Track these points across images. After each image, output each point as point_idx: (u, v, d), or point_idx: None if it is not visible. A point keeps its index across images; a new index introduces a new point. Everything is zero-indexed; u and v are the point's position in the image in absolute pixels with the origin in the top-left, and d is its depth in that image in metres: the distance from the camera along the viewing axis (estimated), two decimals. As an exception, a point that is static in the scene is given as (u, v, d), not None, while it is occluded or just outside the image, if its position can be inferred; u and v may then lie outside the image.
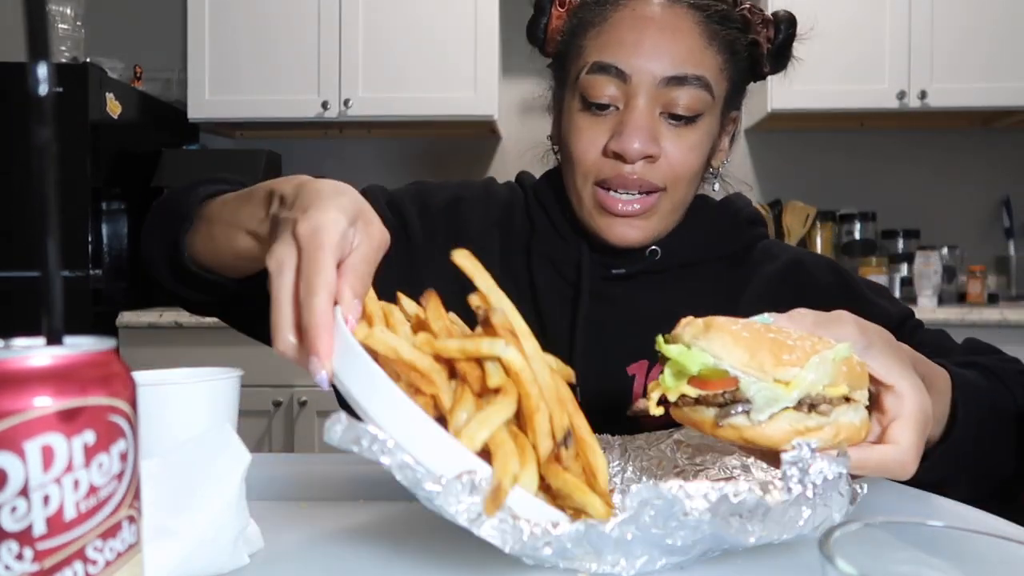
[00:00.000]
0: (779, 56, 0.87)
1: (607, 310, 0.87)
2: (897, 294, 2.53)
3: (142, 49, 2.82)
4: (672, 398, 0.53)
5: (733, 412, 0.50)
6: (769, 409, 0.50)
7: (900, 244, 2.67)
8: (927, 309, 2.33)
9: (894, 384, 0.53)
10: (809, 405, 0.50)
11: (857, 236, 2.69)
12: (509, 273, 0.89)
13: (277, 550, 0.53)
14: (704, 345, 0.51)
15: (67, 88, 2.20)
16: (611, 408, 0.84)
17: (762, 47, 0.85)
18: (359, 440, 0.42)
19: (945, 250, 2.56)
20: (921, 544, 0.44)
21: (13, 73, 2.19)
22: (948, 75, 2.47)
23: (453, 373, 0.46)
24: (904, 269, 2.52)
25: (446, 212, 0.92)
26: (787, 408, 0.50)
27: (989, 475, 0.68)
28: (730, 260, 0.91)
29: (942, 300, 2.47)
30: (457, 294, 0.51)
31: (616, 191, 0.81)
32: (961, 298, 2.56)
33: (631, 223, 0.82)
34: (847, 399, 0.51)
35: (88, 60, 2.36)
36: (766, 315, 0.57)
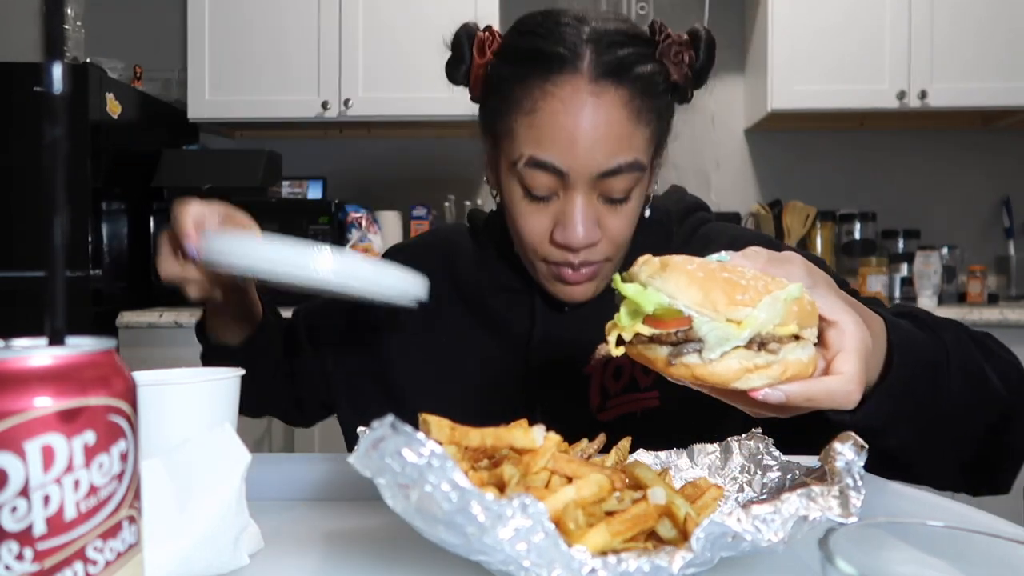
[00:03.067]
0: (700, 77, 0.86)
1: (560, 328, 0.91)
2: (897, 294, 2.53)
3: (142, 49, 2.82)
4: (627, 337, 0.54)
5: (685, 351, 0.52)
6: (720, 348, 0.51)
7: (900, 244, 2.67)
8: (927, 309, 2.33)
9: (837, 319, 0.56)
10: (759, 343, 0.52)
11: (857, 236, 2.69)
12: (460, 305, 0.95)
13: (277, 550, 0.53)
14: (659, 284, 0.52)
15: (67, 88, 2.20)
16: (571, 405, 0.89)
17: (684, 74, 0.84)
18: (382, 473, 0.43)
19: (945, 250, 2.56)
20: (921, 544, 0.44)
21: (14, 73, 2.19)
22: (948, 75, 2.47)
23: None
24: (904, 269, 2.53)
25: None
26: (738, 347, 0.51)
27: (938, 426, 0.68)
28: (676, 250, 0.93)
29: (942, 300, 2.47)
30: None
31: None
32: (961, 298, 2.56)
33: (582, 287, 0.86)
34: (796, 337, 0.53)
35: (88, 60, 2.36)
36: (723, 253, 0.58)
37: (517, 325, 0.92)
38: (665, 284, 0.52)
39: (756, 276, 0.53)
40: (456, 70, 0.89)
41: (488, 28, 0.87)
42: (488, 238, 0.97)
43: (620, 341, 0.55)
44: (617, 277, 0.55)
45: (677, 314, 0.51)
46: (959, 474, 0.73)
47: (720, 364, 0.51)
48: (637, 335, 0.54)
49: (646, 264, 0.54)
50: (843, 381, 0.54)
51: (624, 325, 0.54)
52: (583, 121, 0.77)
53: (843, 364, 0.55)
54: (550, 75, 0.78)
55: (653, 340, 0.53)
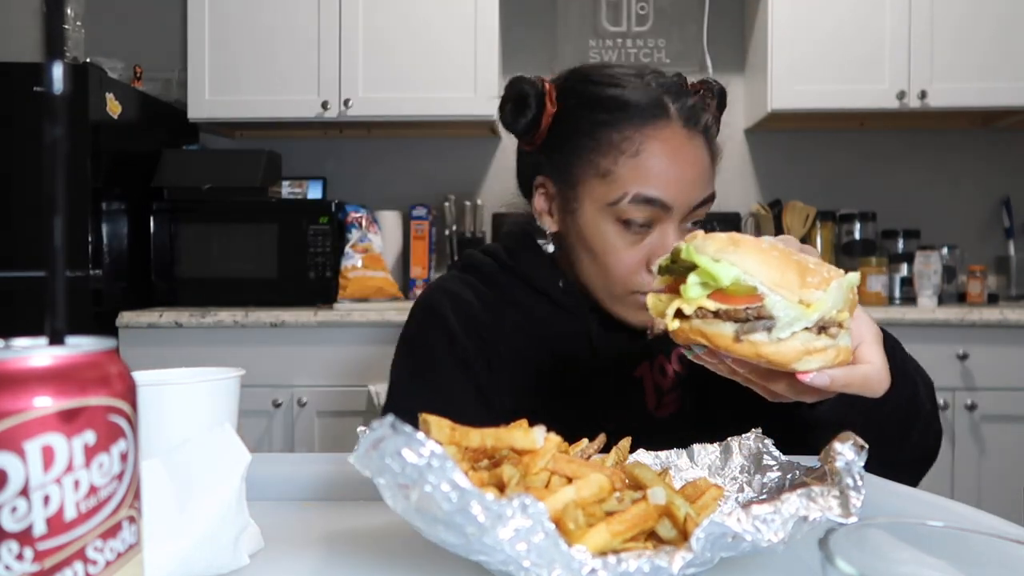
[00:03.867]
0: (718, 122, 0.97)
1: (607, 343, 0.96)
2: (897, 294, 2.53)
3: (142, 49, 2.82)
4: (689, 311, 0.53)
5: (756, 328, 0.51)
6: (790, 328, 0.51)
7: (900, 244, 2.67)
8: (927, 309, 2.33)
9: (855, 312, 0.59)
10: (820, 327, 0.52)
11: (857, 236, 2.69)
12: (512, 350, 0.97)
13: (277, 550, 0.53)
14: (735, 259, 0.51)
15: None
16: (627, 409, 0.94)
17: (719, 121, 0.96)
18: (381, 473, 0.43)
19: (945, 250, 2.56)
20: (921, 544, 0.44)
21: (14, 73, 2.19)
22: (948, 75, 2.47)
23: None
24: (904, 269, 2.52)
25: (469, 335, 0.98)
26: (805, 328, 0.52)
27: (880, 428, 0.73)
28: None
29: (942, 300, 2.47)
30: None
31: None
32: (961, 298, 2.56)
33: None
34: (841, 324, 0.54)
35: (88, 60, 2.36)
36: (767, 238, 0.58)
37: (571, 347, 0.95)
38: (740, 259, 0.51)
39: (818, 262, 0.54)
40: (519, 120, 0.94)
41: (540, 79, 0.95)
42: (516, 272, 0.99)
43: (679, 315, 0.54)
44: (689, 247, 0.54)
45: (751, 291, 0.51)
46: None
47: (786, 344, 0.52)
48: (699, 309, 0.53)
49: (711, 239, 0.54)
50: (876, 369, 0.59)
51: (692, 297, 0.53)
52: (682, 160, 0.88)
53: (870, 353, 0.59)
54: (648, 121, 0.88)
55: (719, 315, 0.53)
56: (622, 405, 0.94)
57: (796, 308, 0.51)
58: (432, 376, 0.95)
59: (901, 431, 0.79)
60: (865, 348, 0.59)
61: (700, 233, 0.55)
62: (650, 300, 0.58)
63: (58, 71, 0.33)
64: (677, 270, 0.56)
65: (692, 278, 0.53)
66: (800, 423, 0.74)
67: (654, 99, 0.89)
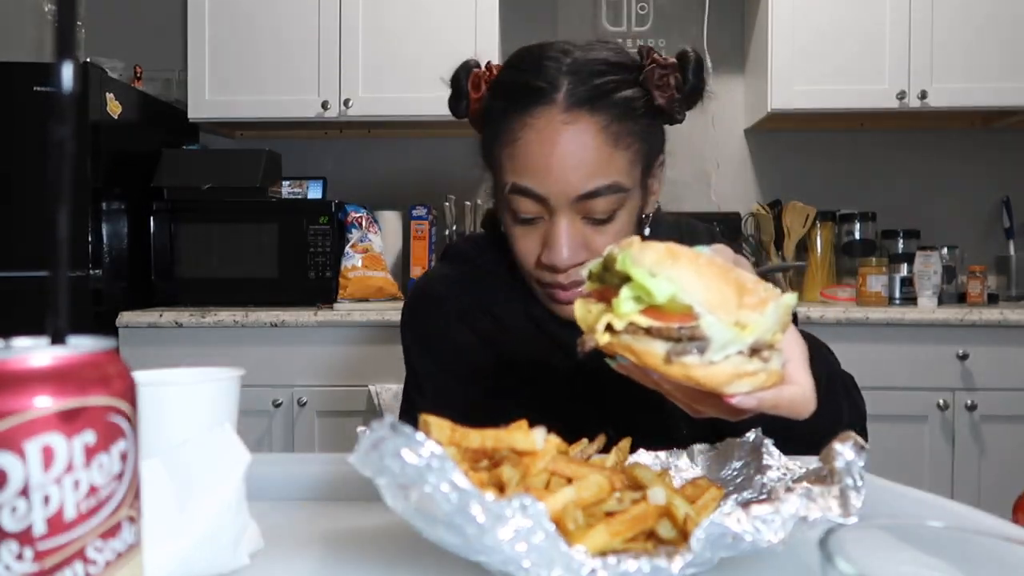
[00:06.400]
0: (691, 99, 0.89)
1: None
2: (897, 294, 2.53)
3: (142, 49, 2.82)
4: (620, 326, 0.50)
5: (688, 349, 0.49)
6: (724, 351, 0.49)
7: (900, 244, 2.67)
8: (927, 309, 2.33)
9: None
10: (752, 349, 0.50)
11: (857, 236, 2.69)
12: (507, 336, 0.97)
13: (277, 550, 0.53)
14: (672, 274, 0.48)
15: (67, 88, 2.20)
16: (645, 415, 0.89)
17: (672, 97, 0.86)
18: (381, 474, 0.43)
19: (945, 250, 2.56)
20: (921, 544, 0.44)
21: (14, 73, 2.19)
22: (948, 75, 2.47)
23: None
24: (904, 269, 2.52)
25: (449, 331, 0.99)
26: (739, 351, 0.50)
27: (796, 444, 0.71)
28: None
29: (942, 300, 2.47)
30: None
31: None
32: (961, 298, 2.56)
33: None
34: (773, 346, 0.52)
35: (88, 60, 2.35)
36: (703, 247, 0.56)
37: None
38: (678, 275, 0.48)
39: (755, 280, 0.51)
40: (457, 105, 0.94)
41: (487, 64, 0.93)
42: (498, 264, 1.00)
43: (608, 329, 0.51)
44: (625, 257, 0.51)
45: (685, 309, 0.48)
46: None
47: (717, 367, 0.49)
48: (630, 324, 0.50)
49: (648, 249, 0.50)
50: (804, 390, 0.57)
51: (624, 312, 0.50)
52: (557, 148, 0.81)
53: (797, 374, 0.57)
54: (528, 107, 0.83)
55: (650, 332, 0.50)
56: (630, 407, 0.89)
57: (731, 331, 0.49)
58: (441, 344, 0.98)
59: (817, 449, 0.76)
60: (792, 368, 0.57)
61: (636, 240, 0.52)
62: (578, 309, 0.54)
63: (68, 70, 0.33)
64: (609, 278, 0.53)
65: (625, 291, 0.50)
66: (718, 429, 0.72)
67: (545, 82, 0.83)
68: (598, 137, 0.82)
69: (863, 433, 0.85)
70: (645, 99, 0.85)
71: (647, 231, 0.94)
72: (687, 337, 0.49)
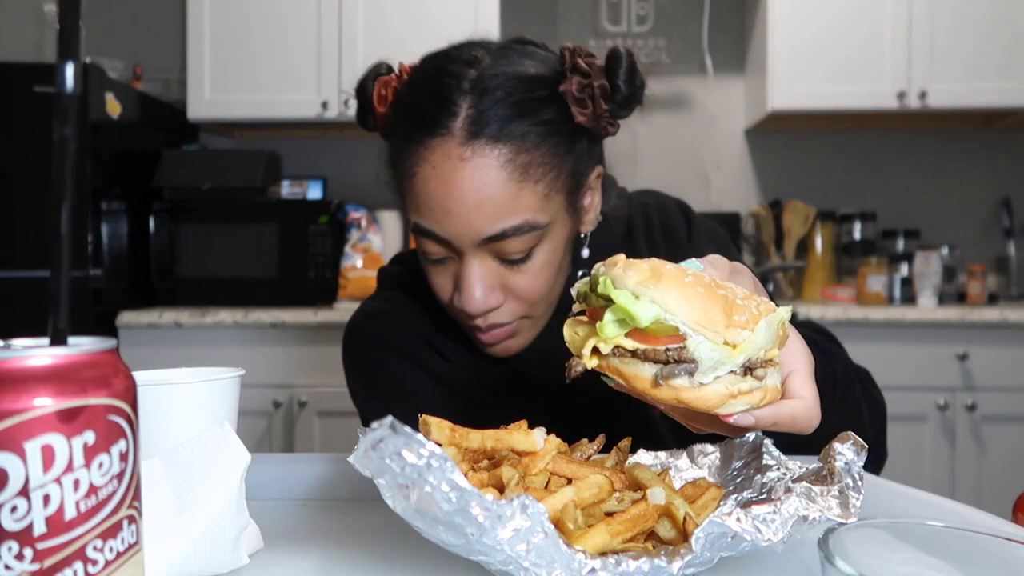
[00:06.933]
0: (626, 104, 0.78)
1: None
2: (897, 294, 2.53)
3: (142, 49, 2.82)
4: (606, 349, 0.49)
5: (676, 372, 0.47)
6: (714, 372, 0.48)
7: (900, 244, 2.67)
8: (927, 309, 2.33)
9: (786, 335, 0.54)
10: (745, 368, 0.49)
11: (857, 236, 2.69)
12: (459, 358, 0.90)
13: (277, 550, 0.53)
14: (656, 296, 0.47)
15: (67, 88, 2.20)
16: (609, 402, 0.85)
17: (596, 122, 0.76)
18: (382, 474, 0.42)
19: (945, 250, 2.56)
20: (921, 544, 0.44)
21: (14, 73, 2.19)
22: (948, 75, 2.47)
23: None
24: (904, 269, 2.52)
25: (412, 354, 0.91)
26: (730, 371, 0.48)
27: (806, 448, 0.69)
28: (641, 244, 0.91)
29: (942, 300, 2.47)
30: None
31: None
32: (961, 298, 2.56)
33: (503, 345, 0.82)
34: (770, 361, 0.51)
35: (88, 60, 2.36)
36: (695, 261, 0.54)
37: None
38: (662, 296, 0.47)
39: (746, 294, 0.50)
40: (365, 119, 0.82)
41: (400, 67, 0.81)
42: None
43: (595, 352, 0.50)
44: (607, 280, 0.49)
45: (672, 331, 0.47)
46: None
47: (709, 388, 0.48)
48: (617, 347, 0.49)
49: (632, 269, 0.49)
50: (806, 405, 0.53)
51: (609, 336, 0.48)
52: (455, 188, 0.71)
53: (800, 387, 0.54)
54: (423, 138, 0.73)
55: (636, 355, 0.48)
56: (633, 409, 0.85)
57: (721, 350, 0.47)
58: (385, 382, 0.90)
59: None
60: (795, 380, 0.54)
61: (621, 259, 0.50)
62: (567, 331, 0.53)
63: (70, 70, 0.33)
64: (595, 299, 0.52)
65: (609, 315, 0.48)
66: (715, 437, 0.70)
67: (440, 106, 0.72)
68: (501, 174, 0.71)
69: (883, 427, 0.81)
70: (563, 116, 0.75)
71: (586, 252, 0.85)
72: (675, 359, 0.48)
